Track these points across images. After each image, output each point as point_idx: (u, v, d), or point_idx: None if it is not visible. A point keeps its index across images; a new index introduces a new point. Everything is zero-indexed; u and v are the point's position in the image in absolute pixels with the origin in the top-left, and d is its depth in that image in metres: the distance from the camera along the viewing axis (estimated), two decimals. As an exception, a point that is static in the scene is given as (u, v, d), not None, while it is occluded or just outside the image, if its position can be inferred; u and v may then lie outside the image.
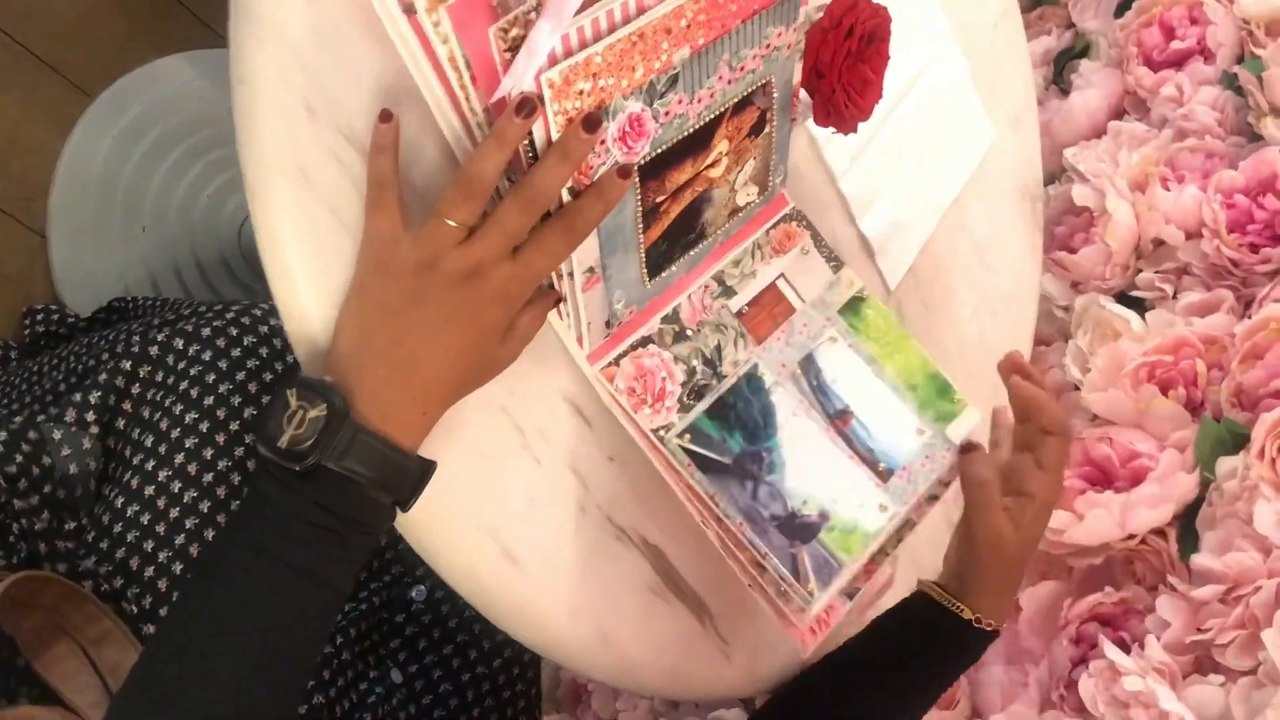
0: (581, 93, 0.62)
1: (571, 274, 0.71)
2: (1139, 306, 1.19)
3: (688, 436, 0.80)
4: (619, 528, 0.80)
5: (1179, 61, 1.32)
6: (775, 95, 0.78)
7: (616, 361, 0.80)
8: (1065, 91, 1.41)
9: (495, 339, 0.65)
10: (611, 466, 0.80)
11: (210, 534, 0.86)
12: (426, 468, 0.64)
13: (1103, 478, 1.08)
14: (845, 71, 0.80)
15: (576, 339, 0.77)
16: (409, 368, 0.62)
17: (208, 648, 0.57)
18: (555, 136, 0.62)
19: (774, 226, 0.90)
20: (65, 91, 1.42)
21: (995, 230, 1.16)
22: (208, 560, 0.65)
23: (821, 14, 0.82)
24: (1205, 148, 1.23)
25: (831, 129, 0.84)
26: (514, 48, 0.61)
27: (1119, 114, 1.36)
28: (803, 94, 0.82)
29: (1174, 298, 1.18)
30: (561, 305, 0.74)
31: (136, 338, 0.96)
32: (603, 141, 0.65)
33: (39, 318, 1.27)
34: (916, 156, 1.03)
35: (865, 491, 0.85)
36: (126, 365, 0.92)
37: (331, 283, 0.66)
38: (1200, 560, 0.98)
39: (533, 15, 0.61)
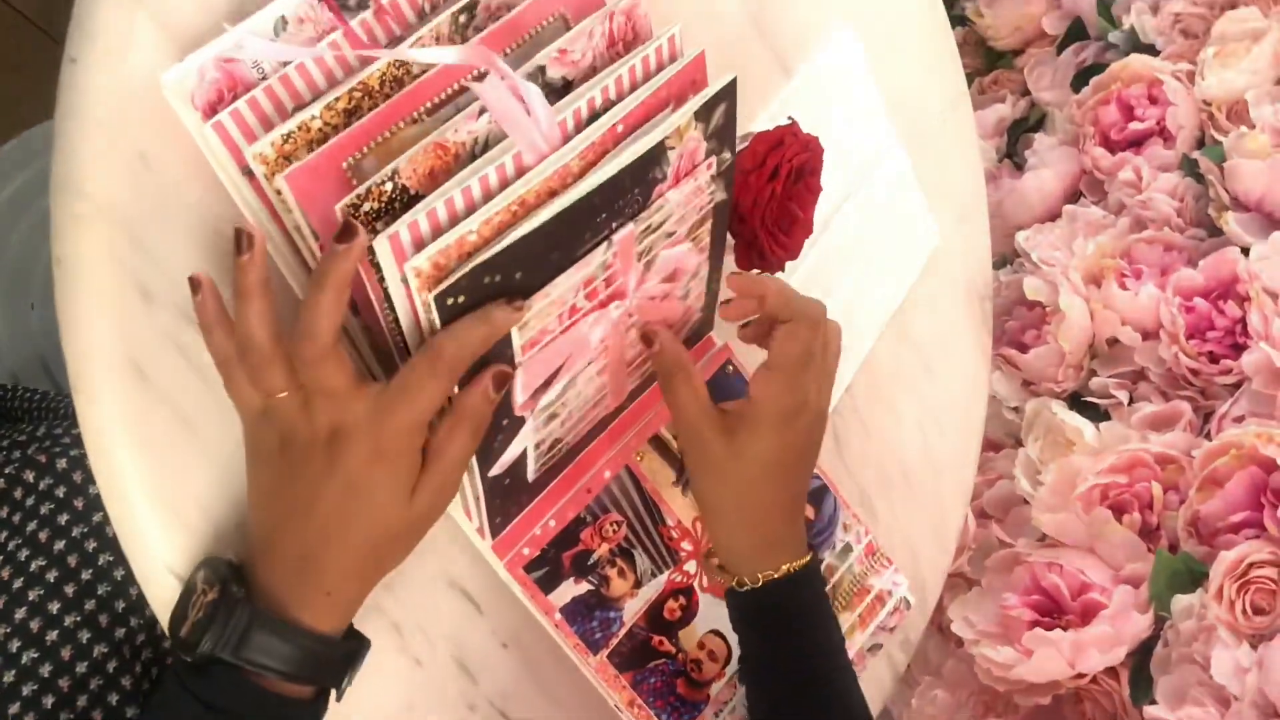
0: None
1: None
2: (1093, 411, 1.12)
3: None
4: (513, 724, 0.72)
5: (1138, 142, 1.25)
6: None
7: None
8: (1019, 165, 1.34)
9: (392, 498, 0.54)
10: (506, 654, 0.71)
11: (49, 701, 0.77)
12: (354, 648, 0.57)
13: (1052, 608, 1.00)
14: (769, 214, 0.72)
15: (465, 512, 0.68)
16: (299, 547, 0.54)
17: None
18: (428, 323, 0.53)
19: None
20: (-53, 155, 1.31)
21: (941, 334, 1.08)
22: None
23: (745, 143, 0.73)
24: (1164, 240, 1.16)
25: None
26: (368, 221, 0.52)
27: (1075, 195, 1.28)
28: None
29: (1130, 404, 1.11)
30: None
31: None
32: None
33: None
34: (854, 274, 0.95)
35: None
36: None
37: (177, 502, 0.58)
38: (1154, 713, 0.91)
39: (388, 185, 0.52)
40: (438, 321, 0.52)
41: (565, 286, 0.56)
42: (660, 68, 0.59)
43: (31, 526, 0.83)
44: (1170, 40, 1.28)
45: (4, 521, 0.84)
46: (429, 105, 0.56)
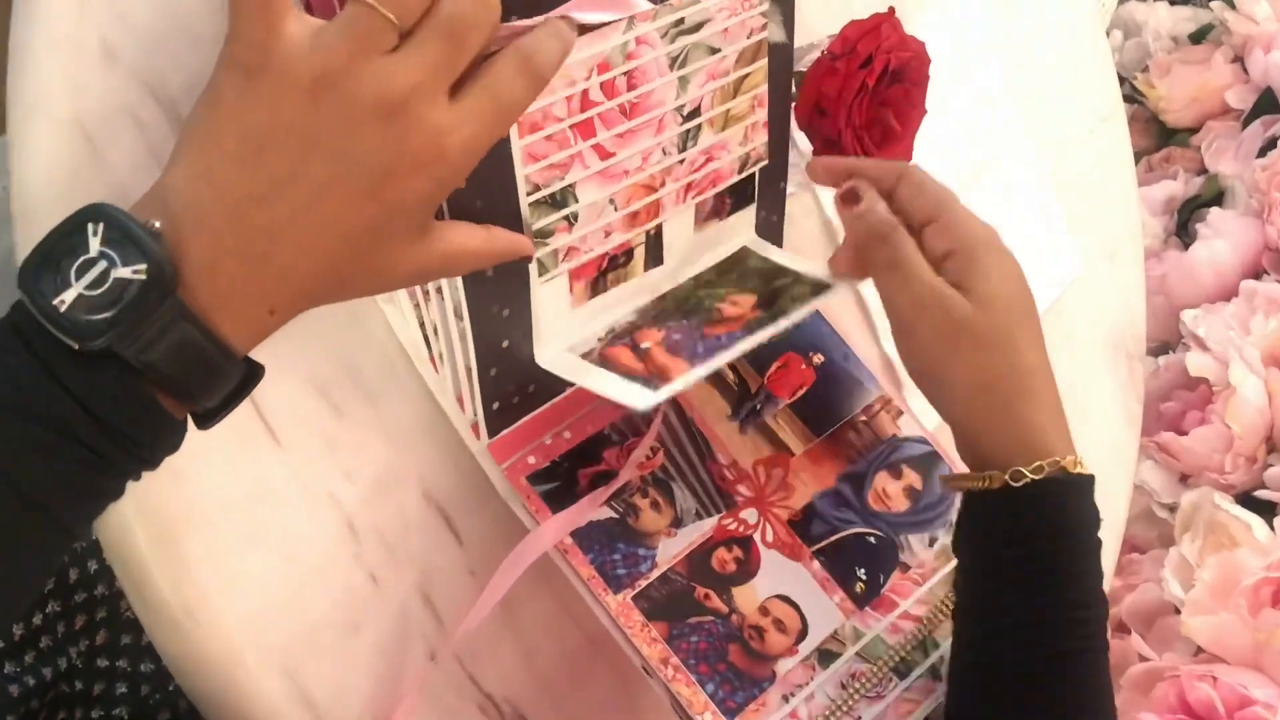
0: None
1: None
2: (1269, 513, 0.93)
3: None
4: (485, 695, 0.57)
5: (1333, 218, 1.09)
6: None
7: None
8: (1188, 246, 1.18)
9: (404, 229, 0.43)
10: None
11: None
12: (251, 375, 0.44)
13: (1203, 728, 0.80)
14: (857, 111, 0.61)
15: (457, 400, 0.57)
16: (270, 241, 0.41)
17: None
18: None
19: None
20: None
21: (1078, 383, 0.92)
22: None
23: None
24: (1363, 320, 0.98)
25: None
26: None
27: (1255, 272, 1.11)
28: (800, 141, 0.63)
29: (1315, 504, 0.92)
30: (438, 359, 0.55)
31: None
32: None
33: None
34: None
35: None
36: None
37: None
38: None
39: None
40: None
41: (574, 57, 0.47)
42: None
43: None
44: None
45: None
46: None
